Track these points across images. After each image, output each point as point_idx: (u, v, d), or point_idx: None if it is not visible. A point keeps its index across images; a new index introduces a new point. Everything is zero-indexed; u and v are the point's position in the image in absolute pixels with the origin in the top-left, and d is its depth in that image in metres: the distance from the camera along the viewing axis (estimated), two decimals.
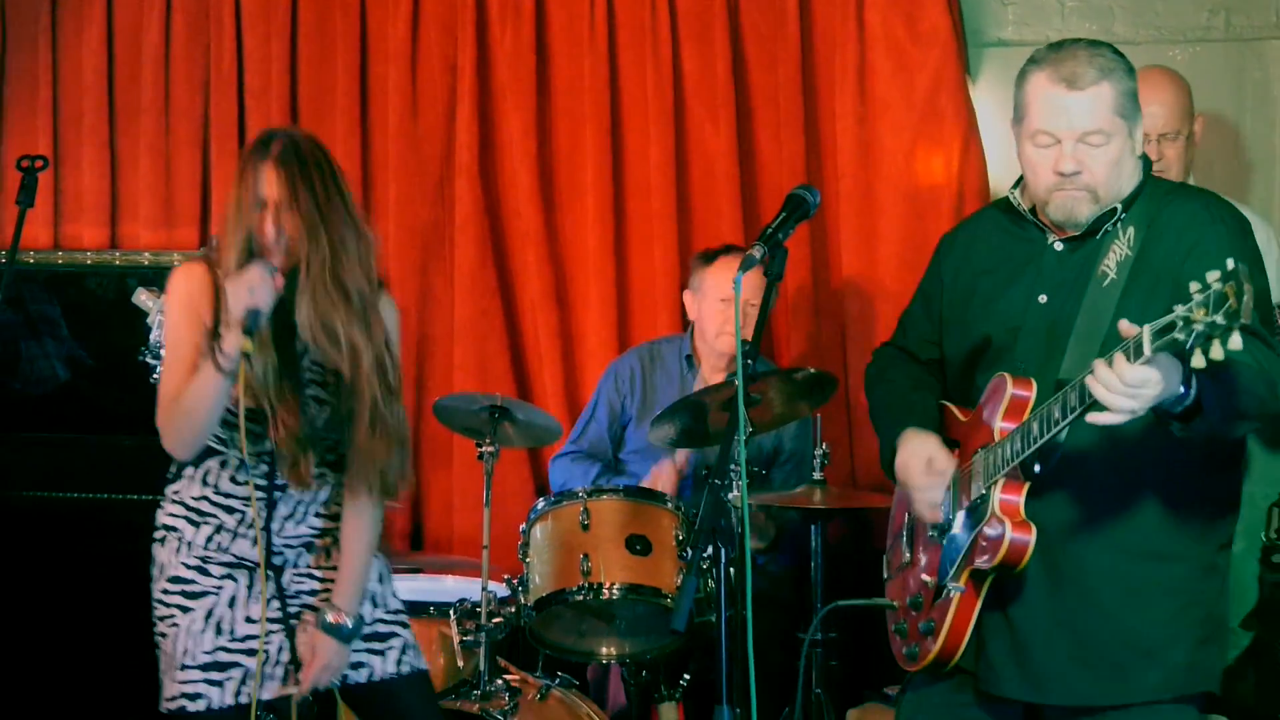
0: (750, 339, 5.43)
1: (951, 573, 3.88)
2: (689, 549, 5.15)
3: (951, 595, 3.86)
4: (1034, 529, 3.72)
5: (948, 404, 4.11)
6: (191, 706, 4.30)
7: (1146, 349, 3.26)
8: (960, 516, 3.90)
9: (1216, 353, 3.12)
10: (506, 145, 6.64)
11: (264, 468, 4.35)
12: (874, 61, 6.38)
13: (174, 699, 4.32)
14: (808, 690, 5.44)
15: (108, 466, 6.31)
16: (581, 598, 5.25)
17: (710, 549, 3.92)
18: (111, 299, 6.46)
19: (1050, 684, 3.86)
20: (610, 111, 6.55)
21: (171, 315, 4.35)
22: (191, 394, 4.22)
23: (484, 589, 5.32)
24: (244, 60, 6.76)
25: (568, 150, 6.63)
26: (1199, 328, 3.13)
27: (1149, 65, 5.78)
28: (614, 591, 5.23)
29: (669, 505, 5.34)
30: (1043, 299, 3.90)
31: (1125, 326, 3.33)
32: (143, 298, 6.04)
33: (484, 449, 5.44)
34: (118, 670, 6.04)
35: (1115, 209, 3.85)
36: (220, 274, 4.26)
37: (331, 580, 4.43)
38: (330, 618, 4.37)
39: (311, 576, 4.44)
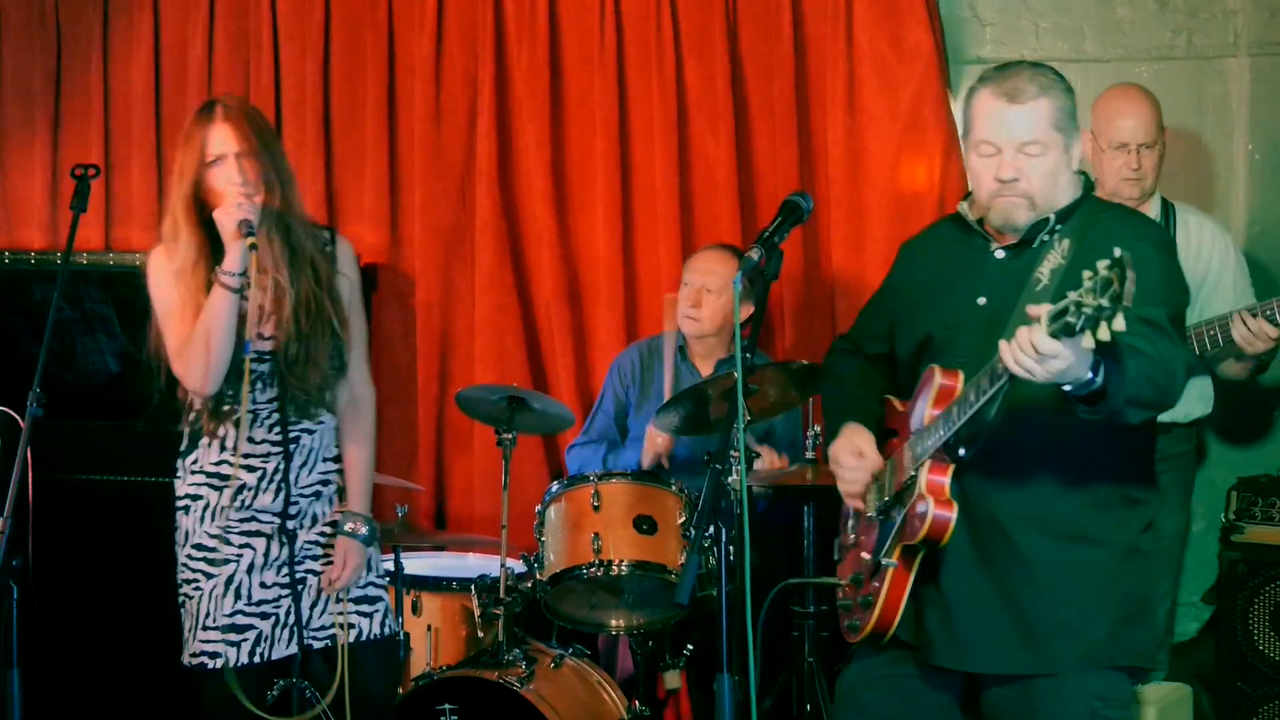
0: (715, 323, 5.48)
1: (885, 549, 3.90)
2: (692, 528, 5.16)
3: (885, 570, 3.88)
4: (956, 506, 3.78)
5: (890, 397, 4.14)
6: (211, 664, 4.47)
7: (1044, 330, 3.32)
8: (894, 498, 3.93)
9: (1104, 333, 3.20)
10: (523, 154, 6.64)
11: (276, 416, 4.50)
12: (862, 77, 6.37)
13: (196, 655, 4.49)
14: (801, 658, 5.46)
15: (156, 451, 6.31)
16: (592, 574, 5.26)
17: (711, 529, 3.93)
18: None
19: (977, 653, 3.90)
20: (619, 123, 6.54)
21: (157, 289, 4.54)
22: (205, 321, 4.36)
23: (503, 565, 5.34)
24: (281, 75, 6.76)
25: (579, 158, 6.63)
26: (1088, 310, 3.20)
27: (1123, 82, 5.80)
28: (622, 568, 5.24)
29: (673, 488, 5.35)
30: (982, 301, 3.95)
31: (1031, 309, 3.39)
32: None
33: (503, 436, 5.45)
34: (156, 630, 6.07)
35: (1049, 218, 3.90)
36: (173, 256, 4.44)
37: (333, 551, 4.57)
38: (348, 526, 4.56)
39: (318, 544, 4.57)
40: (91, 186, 4.79)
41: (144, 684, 6.11)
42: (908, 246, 4.33)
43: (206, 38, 6.80)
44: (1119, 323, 3.17)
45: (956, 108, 6.37)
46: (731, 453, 4.44)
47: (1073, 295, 3.25)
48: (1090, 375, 3.45)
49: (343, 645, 4.56)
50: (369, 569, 4.63)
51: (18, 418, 4.67)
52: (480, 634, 5.46)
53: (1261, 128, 6.25)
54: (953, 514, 3.77)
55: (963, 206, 4.09)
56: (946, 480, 3.80)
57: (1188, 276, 5.52)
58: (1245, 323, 5.23)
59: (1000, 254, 3.97)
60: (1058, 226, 3.90)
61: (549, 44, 6.57)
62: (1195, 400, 5.65)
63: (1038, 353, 3.36)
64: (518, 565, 5.52)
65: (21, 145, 6.93)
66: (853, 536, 4.19)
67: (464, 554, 6.11)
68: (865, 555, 4.03)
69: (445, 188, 6.65)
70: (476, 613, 5.40)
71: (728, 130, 6.46)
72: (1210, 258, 5.60)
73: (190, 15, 6.81)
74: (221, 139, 4.39)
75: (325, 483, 4.61)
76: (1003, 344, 3.46)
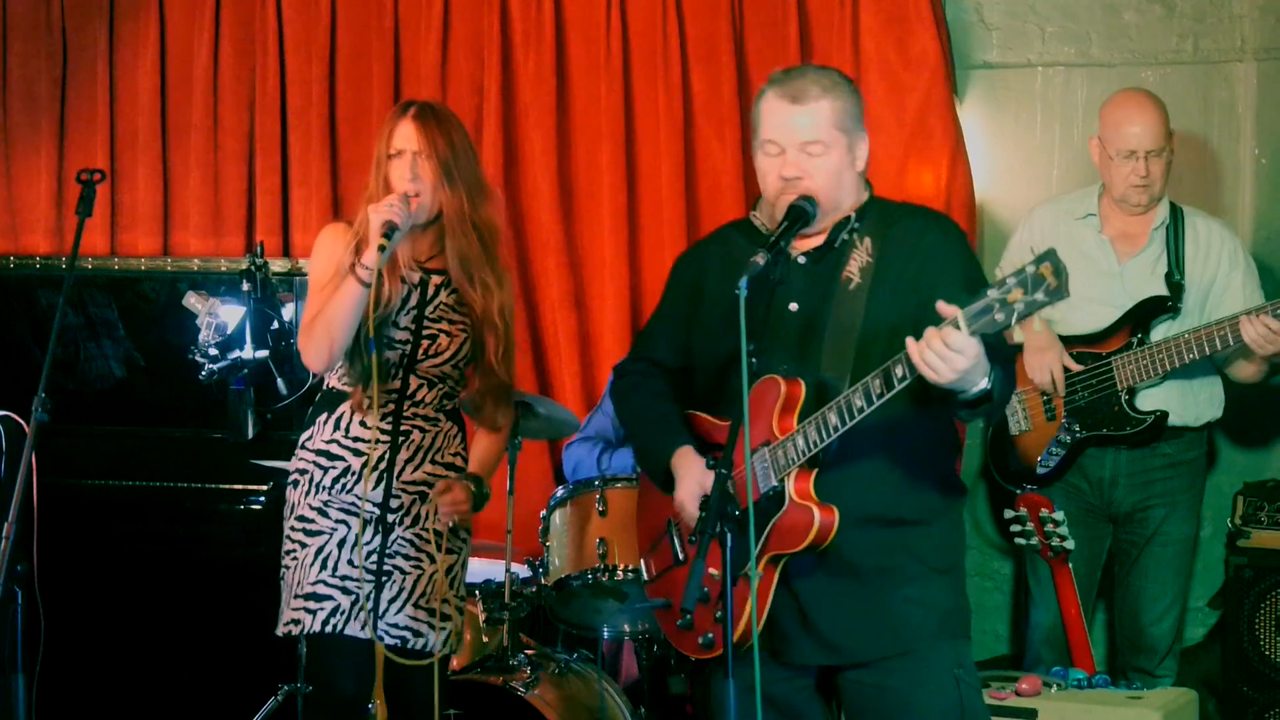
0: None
1: (751, 562, 3.83)
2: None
3: (752, 581, 3.84)
4: (835, 510, 3.79)
5: (696, 413, 4.13)
6: (294, 630, 4.52)
7: (963, 329, 3.39)
8: (747, 511, 3.83)
9: (1038, 325, 3.24)
10: (529, 161, 6.64)
11: (391, 407, 4.55)
12: (868, 83, 6.36)
13: (285, 624, 4.54)
14: None
15: (159, 456, 6.32)
16: (598, 579, 5.24)
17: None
18: (164, 302, 6.48)
19: (841, 645, 3.93)
20: (625, 129, 6.54)
21: (316, 258, 4.60)
22: (333, 305, 4.42)
23: (507, 570, 5.33)
24: (287, 81, 6.77)
25: (585, 165, 6.63)
26: (1019, 307, 3.28)
27: (1131, 88, 5.79)
28: (628, 573, 5.23)
29: None
30: (793, 307, 3.96)
31: (943, 307, 3.45)
32: (192, 301, 6.06)
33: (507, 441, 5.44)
34: (161, 635, 6.07)
35: (848, 218, 3.96)
36: (358, 232, 4.49)
37: (426, 555, 4.57)
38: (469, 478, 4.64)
39: (413, 544, 4.56)
40: (97, 191, 4.80)
41: (148, 689, 6.10)
42: (688, 259, 4.31)
43: (212, 44, 6.81)
44: (1055, 312, 3.23)
45: (963, 113, 6.36)
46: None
47: (994, 293, 3.33)
48: (985, 383, 3.53)
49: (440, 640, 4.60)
50: (450, 585, 4.62)
51: (23, 423, 4.67)
52: (485, 639, 5.45)
53: (1268, 132, 6.24)
54: (835, 516, 3.79)
55: (754, 215, 4.11)
56: (811, 486, 3.82)
57: (1196, 279, 5.58)
58: (1261, 323, 5.23)
59: (803, 259, 3.98)
60: (856, 225, 3.96)
61: (555, 50, 6.57)
62: (1206, 404, 5.65)
63: (948, 348, 3.41)
64: (523, 570, 5.51)
65: (27, 151, 6.93)
66: (681, 555, 4.15)
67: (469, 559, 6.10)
68: (714, 571, 3.92)
69: None
70: (481, 618, 5.38)
71: (734, 137, 6.45)
72: (1219, 260, 5.60)
73: (196, 22, 6.82)
74: (404, 135, 4.50)
75: (433, 485, 4.59)
76: (910, 343, 3.49)
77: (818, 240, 3.98)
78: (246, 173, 6.83)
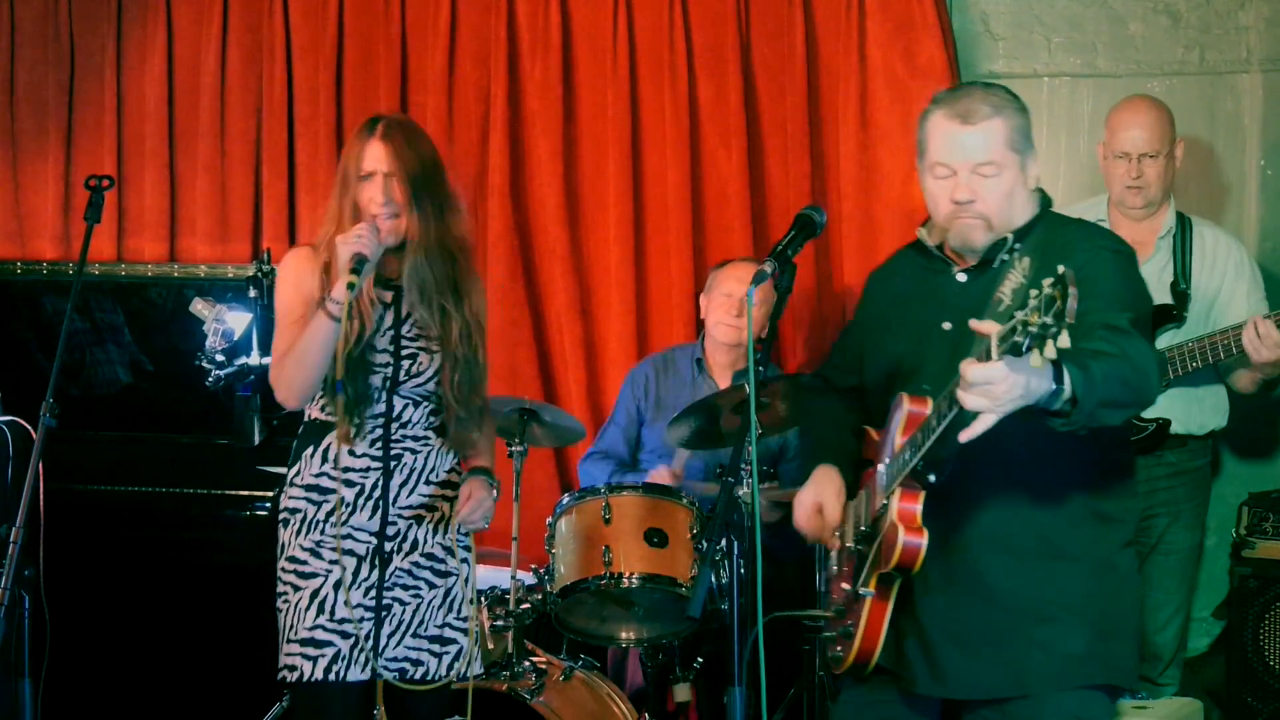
0: (756, 330, 5.45)
1: (862, 579, 3.87)
2: (704, 541, 5.15)
3: (864, 600, 3.86)
4: (926, 533, 3.73)
5: (868, 429, 4.11)
6: (290, 676, 4.42)
7: (994, 352, 3.30)
8: (870, 527, 3.90)
9: (1050, 351, 3.18)
10: (535, 168, 6.64)
11: (379, 432, 4.45)
12: (875, 92, 6.38)
13: (281, 669, 4.44)
14: (811, 672, 5.44)
15: (166, 462, 6.32)
16: (603, 586, 5.24)
17: (723, 542, 3.92)
18: (170, 308, 6.47)
19: (952, 678, 3.86)
20: (631, 137, 6.55)
21: (282, 288, 4.48)
22: (304, 341, 4.32)
23: (513, 577, 5.32)
24: (294, 89, 6.77)
25: (592, 173, 6.63)
26: (1034, 329, 3.18)
27: (1139, 94, 5.81)
28: (633, 580, 5.23)
29: (684, 501, 5.34)
30: (946, 326, 3.91)
31: (976, 325, 3.38)
32: (199, 307, 6.06)
33: (513, 448, 5.43)
34: (166, 640, 6.07)
35: (1007, 238, 3.87)
36: (322, 256, 4.40)
37: (424, 582, 4.50)
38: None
39: (410, 574, 4.48)
40: (105, 198, 4.80)
41: (154, 694, 6.10)
42: (873, 278, 4.31)
43: (220, 51, 6.81)
44: (1064, 340, 3.15)
45: None
46: (744, 466, 4.45)
47: (1020, 315, 3.23)
48: (1054, 386, 3.41)
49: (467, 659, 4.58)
50: (450, 609, 4.56)
51: (30, 428, 4.68)
52: (490, 646, 5.44)
53: (1273, 143, 6.24)
54: (923, 540, 3.73)
55: (921, 232, 4.05)
56: (917, 507, 3.76)
57: (1202, 289, 5.57)
58: (1256, 327, 5.24)
59: (962, 277, 3.95)
60: (1016, 245, 3.88)
61: (561, 58, 6.58)
62: (1210, 412, 5.65)
63: (973, 384, 3.33)
64: (528, 577, 5.50)
65: (34, 157, 6.94)
66: (835, 568, 4.15)
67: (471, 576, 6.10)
68: (845, 586, 4.00)
69: None
70: (486, 625, 5.37)
71: (740, 145, 6.46)
72: (1225, 270, 5.60)
73: (204, 28, 6.83)
74: (374, 156, 4.37)
75: (430, 507, 4.52)
76: (956, 386, 3.42)
77: (974, 261, 3.93)
78: (253, 179, 6.83)
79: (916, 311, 3.99)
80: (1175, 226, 5.63)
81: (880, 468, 3.88)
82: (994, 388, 3.32)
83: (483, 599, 5.39)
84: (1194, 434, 5.62)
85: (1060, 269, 3.16)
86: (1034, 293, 3.19)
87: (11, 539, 4.36)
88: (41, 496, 4.57)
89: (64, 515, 5.12)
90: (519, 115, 6.63)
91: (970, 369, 3.33)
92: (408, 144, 4.40)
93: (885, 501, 3.81)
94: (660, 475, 5.73)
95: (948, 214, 3.87)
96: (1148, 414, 5.53)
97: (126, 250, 6.88)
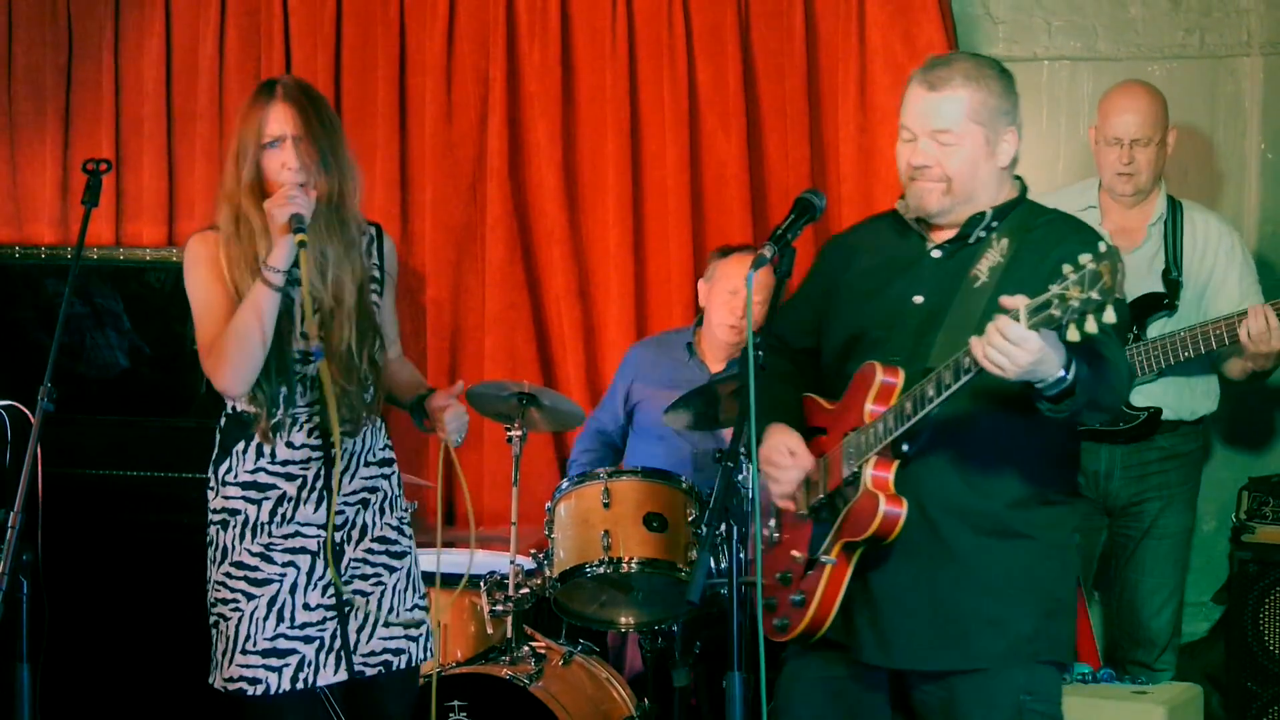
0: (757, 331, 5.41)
1: (824, 546, 3.86)
2: (703, 526, 5.15)
3: (824, 567, 3.85)
4: (905, 502, 3.75)
5: (811, 395, 4.10)
6: (250, 690, 4.17)
7: (1024, 323, 3.34)
8: (830, 495, 3.90)
9: (1091, 326, 3.22)
10: (534, 151, 6.64)
11: (316, 420, 4.22)
12: (874, 75, 6.37)
13: (234, 680, 4.19)
14: None
15: (164, 446, 6.32)
16: (602, 571, 5.24)
17: (722, 526, 3.91)
18: (169, 292, 6.47)
19: (903, 650, 3.88)
20: (630, 120, 6.54)
21: (194, 278, 4.20)
22: (242, 316, 4.06)
23: (512, 562, 5.32)
24: (292, 71, 6.74)
25: (590, 155, 6.63)
26: (1074, 304, 3.23)
27: (1132, 79, 5.79)
28: (632, 565, 5.23)
29: (683, 486, 5.34)
30: (918, 299, 3.92)
31: (1005, 300, 3.40)
32: None
33: (512, 433, 5.44)
34: (166, 625, 6.07)
35: (985, 214, 3.89)
36: (226, 236, 4.14)
37: (382, 567, 4.33)
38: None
39: (366, 562, 4.30)
40: (103, 181, 4.77)
41: (153, 678, 6.10)
42: (837, 241, 4.31)
43: (218, 33, 6.81)
44: (1109, 315, 3.20)
45: None
46: (741, 450, 4.44)
47: (1055, 288, 3.26)
48: (1063, 373, 3.47)
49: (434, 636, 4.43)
50: (414, 589, 4.39)
51: (28, 412, 4.66)
52: (489, 630, 5.44)
53: (1274, 127, 6.23)
54: (903, 510, 3.75)
55: (901, 204, 4.05)
56: (891, 476, 3.78)
57: (1193, 276, 5.56)
58: (1265, 315, 5.23)
59: (936, 253, 3.95)
60: (994, 224, 3.89)
61: (560, 41, 6.57)
62: (1201, 398, 5.64)
63: (1008, 341, 3.37)
64: (527, 562, 5.50)
65: (32, 140, 6.93)
66: (776, 535, 4.12)
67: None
68: (796, 553, 3.98)
69: (456, 185, 6.65)
70: (485, 609, 5.38)
71: (739, 128, 6.45)
72: (1216, 255, 5.58)
73: (201, 11, 6.82)
74: (279, 120, 4.10)
75: (372, 489, 4.32)
76: (974, 339, 3.46)
77: (950, 233, 3.94)
78: None
79: (887, 283, 3.98)
80: (1166, 213, 5.61)
81: (849, 435, 3.86)
82: (1020, 353, 3.38)
83: (481, 583, 5.39)
84: (1185, 420, 5.62)
85: (1103, 245, 3.23)
86: (1069, 268, 3.24)
87: (10, 523, 4.35)
88: (40, 481, 4.55)
89: (62, 499, 5.11)
90: (517, 98, 6.62)
91: (1010, 328, 3.36)
92: (312, 104, 4.16)
93: (856, 470, 3.81)
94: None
95: (906, 176, 3.91)
96: (1139, 402, 5.53)
97: (125, 234, 6.88)
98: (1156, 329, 5.50)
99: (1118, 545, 5.75)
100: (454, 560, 5.83)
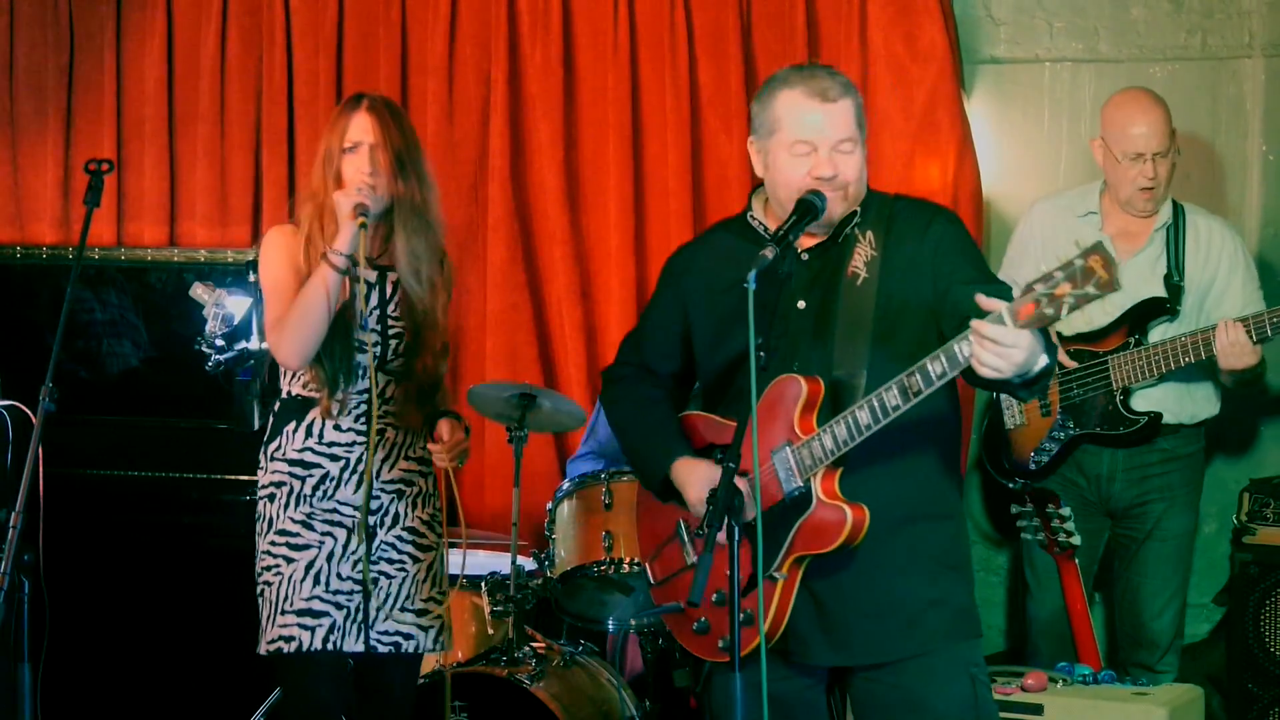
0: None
1: (776, 563, 3.83)
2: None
3: (777, 582, 3.84)
4: (865, 507, 3.77)
5: (695, 413, 4.11)
6: (287, 648, 4.47)
7: (1009, 324, 3.37)
8: (769, 511, 3.84)
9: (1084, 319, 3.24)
10: (536, 152, 6.63)
11: (364, 408, 4.53)
12: (876, 76, 6.37)
13: (273, 641, 4.49)
14: None
15: (165, 446, 6.33)
16: (604, 571, 5.25)
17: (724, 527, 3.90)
18: (170, 293, 6.47)
19: (856, 646, 3.92)
20: (632, 121, 6.54)
21: (268, 263, 4.56)
22: (306, 295, 4.39)
23: (513, 563, 5.32)
24: (294, 72, 6.77)
25: (592, 156, 6.63)
26: (1069, 300, 3.26)
27: (1133, 87, 5.77)
28: (633, 566, 5.23)
29: None
30: (801, 304, 3.95)
31: (984, 301, 3.42)
32: (199, 291, 6.04)
33: (513, 433, 5.44)
34: (167, 625, 6.08)
35: (854, 213, 3.95)
36: (304, 232, 4.50)
37: (408, 556, 4.60)
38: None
39: (395, 548, 4.58)
40: (104, 181, 4.78)
41: (154, 678, 6.11)
42: (685, 259, 4.24)
43: (219, 34, 6.81)
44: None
45: (970, 108, 6.36)
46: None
47: (1040, 288, 3.29)
48: (1048, 360, 3.52)
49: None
50: (433, 583, 4.65)
51: (30, 413, 4.67)
52: (490, 631, 5.45)
53: (1276, 129, 6.23)
54: (867, 515, 3.77)
55: (752, 217, 4.07)
56: (836, 484, 3.80)
57: (1195, 281, 5.55)
58: (1235, 330, 5.23)
59: (805, 256, 3.97)
60: (858, 221, 3.95)
61: (562, 42, 6.57)
62: (1202, 402, 5.64)
63: (1001, 344, 3.38)
64: (528, 563, 5.51)
65: (34, 140, 6.94)
66: (692, 558, 4.08)
67: (474, 551, 6.09)
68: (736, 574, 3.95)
69: (457, 185, 6.64)
70: (486, 610, 5.38)
71: (741, 129, 6.44)
72: (1219, 260, 5.57)
73: (203, 11, 6.82)
74: (360, 128, 4.48)
75: (408, 482, 4.62)
76: (959, 343, 3.49)
77: (822, 237, 3.96)
78: (253, 163, 6.83)
79: (763, 293, 3.82)
80: (1170, 217, 5.60)
81: (787, 450, 3.82)
82: (1015, 352, 3.40)
83: (482, 584, 5.40)
84: (1185, 423, 5.62)
85: (1091, 239, 3.28)
86: (1054, 266, 3.27)
87: (11, 523, 4.36)
88: (41, 481, 4.56)
89: (63, 500, 5.12)
90: (519, 98, 6.62)
91: (1005, 334, 3.38)
92: (393, 118, 4.53)
93: (803, 484, 3.81)
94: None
95: (794, 190, 3.88)
96: (1140, 407, 5.53)
97: (126, 234, 6.88)
98: (1158, 334, 5.50)
99: (1120, 547, 5.75)
100: (455, 561, 5.85)
